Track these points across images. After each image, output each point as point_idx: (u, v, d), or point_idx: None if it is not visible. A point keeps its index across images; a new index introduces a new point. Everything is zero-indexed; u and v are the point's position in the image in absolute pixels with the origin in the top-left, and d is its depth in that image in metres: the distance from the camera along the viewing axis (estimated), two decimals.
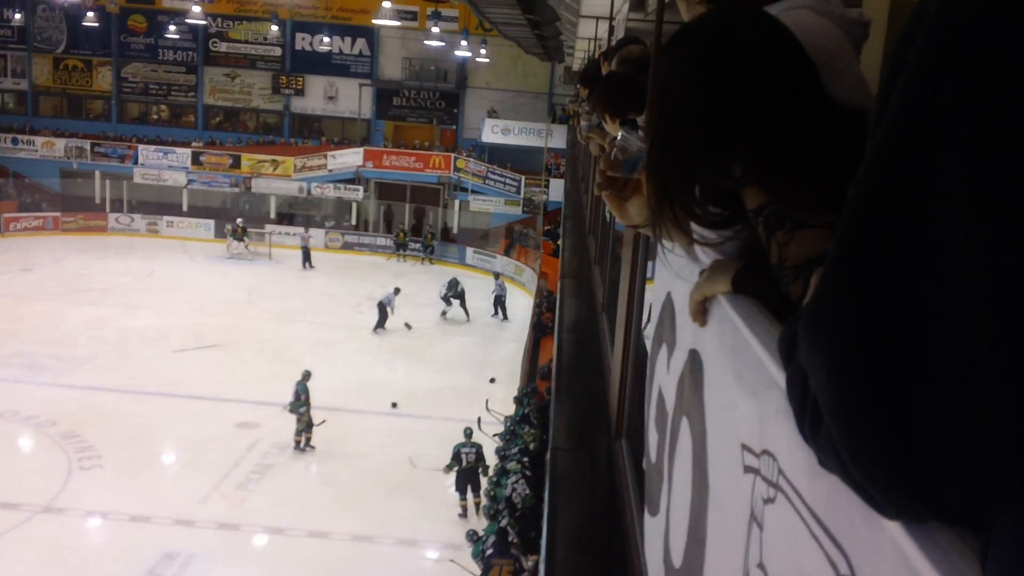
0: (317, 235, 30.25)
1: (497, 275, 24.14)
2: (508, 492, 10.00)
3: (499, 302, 22.98)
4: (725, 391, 1.13)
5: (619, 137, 1.42)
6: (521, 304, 23.80)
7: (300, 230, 29.96)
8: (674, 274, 1.49)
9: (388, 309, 21.09)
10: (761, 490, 0.92)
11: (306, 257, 27.64)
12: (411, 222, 30.80)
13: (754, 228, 1.06)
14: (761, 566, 0.91)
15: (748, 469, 0.97)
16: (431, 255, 29.50)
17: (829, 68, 1.04)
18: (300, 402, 14.31)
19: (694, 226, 1.13)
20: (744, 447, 1.00)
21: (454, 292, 22.60)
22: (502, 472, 10.89)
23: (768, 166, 1.01)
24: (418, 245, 29.81)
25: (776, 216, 1.01)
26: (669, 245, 1.40)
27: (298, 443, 14.40)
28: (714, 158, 1.04)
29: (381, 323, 21.18)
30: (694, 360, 1.35)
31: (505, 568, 8.61)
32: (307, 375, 14.78)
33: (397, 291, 21.61)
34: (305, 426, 14.36)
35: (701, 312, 1.26)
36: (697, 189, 1.07)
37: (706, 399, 1.25)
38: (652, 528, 1.77)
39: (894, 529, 0.58)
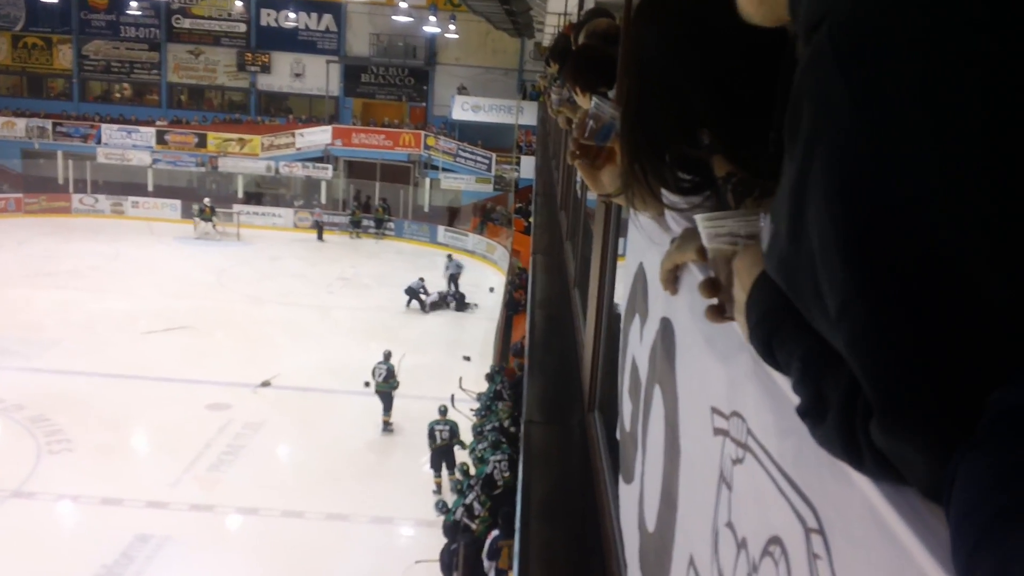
0: (286, 214, 29.95)
1: (449, 256, 23.95)
2: (490, 469, 10.05)
3: (453, 280, 22.66)
4: (696, 357, 1.14)
5: (592, 106, 1.43)
6: (493, 282, 23.77)
7: (276, 210, 29.70)
8: (647, 241, 1.50)
9: (420, 294, 21.32)
10: (730, 451, 0.94)
11: (320, 232, 28.39)
12: (380, 200, 30.53)
13: (723, 195, 1.06)
14: (730, 525, 0.92)
15: (717, 431, 0.99)
16: (382, 231, 29.28)
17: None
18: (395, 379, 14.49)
19: (665, 193, 1.14)
20: (714, 410, 1.01)
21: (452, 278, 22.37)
22: (487, 448, 10.96)
23: (734, 137, 1.01)
24: (371, 222, 29.57)
25: (744, 184, 1.02)
26: (640, 214, 1.40)
27: (387, 423, 14.47)
28: (682, 127, 1.05)
29: (421, 305, 21.38)
30: (666, 328, 1.36)
31: (510, 548, 8.64)
32: (389, 354, 14.90)
33: (422, 280, 21.69)
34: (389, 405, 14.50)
35: (672, 280, 1.27)
36: (668, 156, 1.08)
37: (677, 366, 1.26)
38: (627, 495, 1.79)
39: (862, 482, 0.59)
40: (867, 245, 0.50)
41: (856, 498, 0.60)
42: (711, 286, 0.87)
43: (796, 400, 0.66)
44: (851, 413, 0.55)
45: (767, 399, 0.81)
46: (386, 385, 14.52)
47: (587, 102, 2.59)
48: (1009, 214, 0.45)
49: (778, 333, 0.68)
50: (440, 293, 21.84)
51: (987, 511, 0.39)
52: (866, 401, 0.52)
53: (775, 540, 0.76)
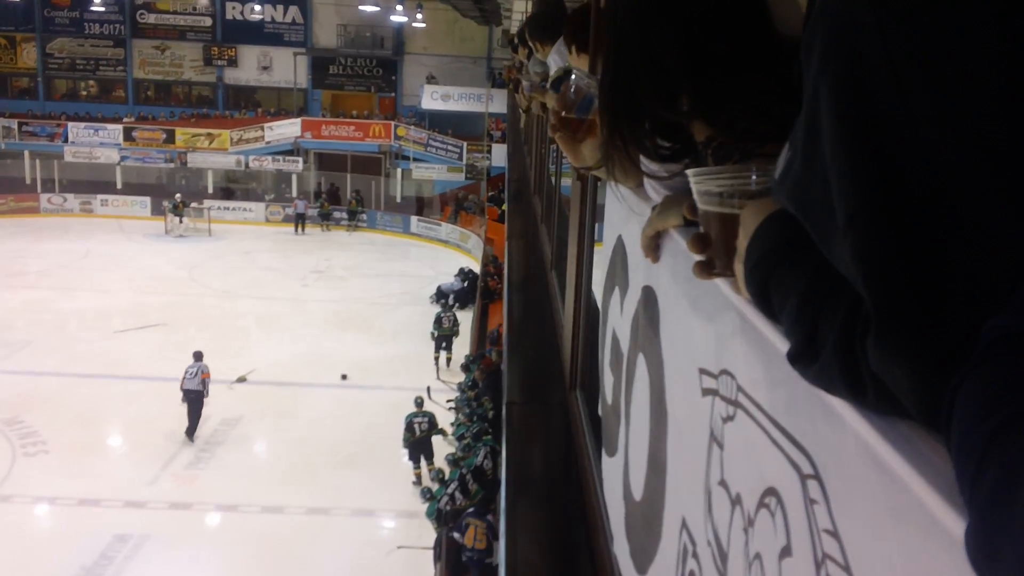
0: (257, 208, 29.67)
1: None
2: (479, 461, 10.07)
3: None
4: (680, 320, 1.14)
5: (572, 78, 1.42)
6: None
7: (247, 204, 29.45)
8: (627, 212, 1.50)
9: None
10: (720, 410, 0.94)
11: (300, 222, 28.20)
12: (352, 192, 30.31)
13: (703, 160, 1.06)
14: (723, 483, 0.92)
15: (706, 392, 0.99)
16: (355, 222, 29.09)
17: (776, 1, 1.05)
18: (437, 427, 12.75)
19: (644, 162, 1.14)
20: (702, 371, 1.01)
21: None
22: (475, 438, 10.98)
23: (712, 100, 1.01)
24: (343, 214, 29.34)
25: (724, 148, 1.02)
26: (621, 185, 1.40)
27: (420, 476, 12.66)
28: (660, 92, 1.05)
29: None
30: (648, 296, 1.36)
31: (479, 529, 8.69)
32: (422, 400, 13.14)
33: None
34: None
35: (653, 248, 1.27)
36: (647, 123, 1.08)
37: (662, 332, 1.26)
38: (610, 468, 1.80)
39: (856, 422, 0.60)
40: (877, 156, 0.50)
41: (850, 439, 0.61)
42: (701, 242, 0.87)
43: (785, 349, 0.66)
44: (850, 339, 0.55)
45: (756, 352, 0.81)
46: (427, 433, 12.60)
47: (546, 55, 2.58)
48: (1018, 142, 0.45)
49: (776, 273, 0.68)
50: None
51: (988, 426, 0.39)
52: (866, 326, 0.53)
53: (770, 491, 0.77)
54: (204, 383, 13.92)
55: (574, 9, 2.66)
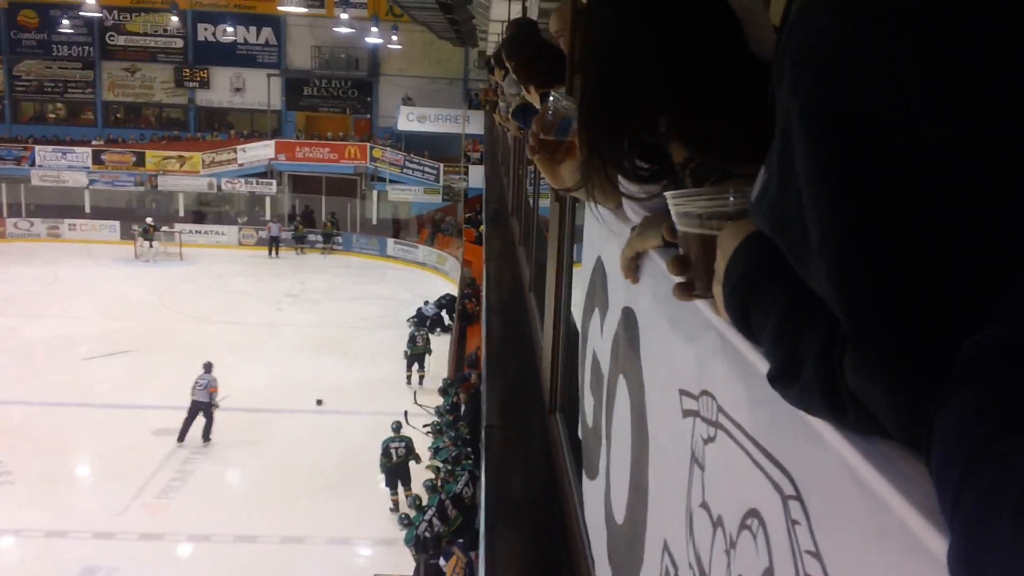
0: (230, 232, 29.44)
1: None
2: (459, 488, 9.99)
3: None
4: (661, 341, 1.15)
5: (551, 100, 1.43)
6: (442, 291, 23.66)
7: (220, 227, 29.23)
8: (607, 233, 1.51)
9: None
10: (701, 431, 0.94)
11: (274, 245, 28.09)
12: (328, 215, 30.19)
13: (681, 181, 1.08)
14: (704, 505, 0.93)
15: (687, 413, 0.99)
16: (330, 245, 28.96)
17: (749, 23, 1.07)
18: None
19: (623, 183, 1.15)
20: (682, 392, 1.02)
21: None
22: (454, 462, 10.91)
23: (691, 121, 1.03)
24: (318, 236, 29.20)
25: (703, 169, 1.04)
26: (600, 206, 1.41)
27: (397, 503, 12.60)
28: (639, 113, 1.06)
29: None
30: (628, 317, 1.37)
31: (460, 562, 8.59)
32: (399, 425, 12.97)
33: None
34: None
35: (633, 268, 1.28)
36: (626, 143, 1.09)
37: (642, 353, 1.27)
38: (591, 491, 1.79)
39: (837, 442, 0.60)
40: (848, 173, 0.51)
41: (831, 459, 0.61)
42: (680, 263, 0.87)
43: (766, 369, 0.67)
44: (830, 359, 0.56)
45: (737, 372, 0.82)
46: (404, 459, 12.43)
47: (536, 99, 2.61)
48: (992, 150, 0.46)
49: (755, 293, 0.69)
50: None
51: (970, 444, 0.39)
52: (844, 346, 0.53)
53: (752, 513, 0.77)
54: (211, 396, 14.26)
55: (526, 50, 2.69)
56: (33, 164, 29.16)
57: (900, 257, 0.49)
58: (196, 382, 14.31)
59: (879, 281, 0.50)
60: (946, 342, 0.46)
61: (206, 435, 14.30)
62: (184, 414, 14.22)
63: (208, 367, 14.57)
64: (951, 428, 0.41)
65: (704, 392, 0.93)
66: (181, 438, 14.16)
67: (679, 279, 0.88)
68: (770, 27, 1.22)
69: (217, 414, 14.89)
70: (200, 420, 14.29)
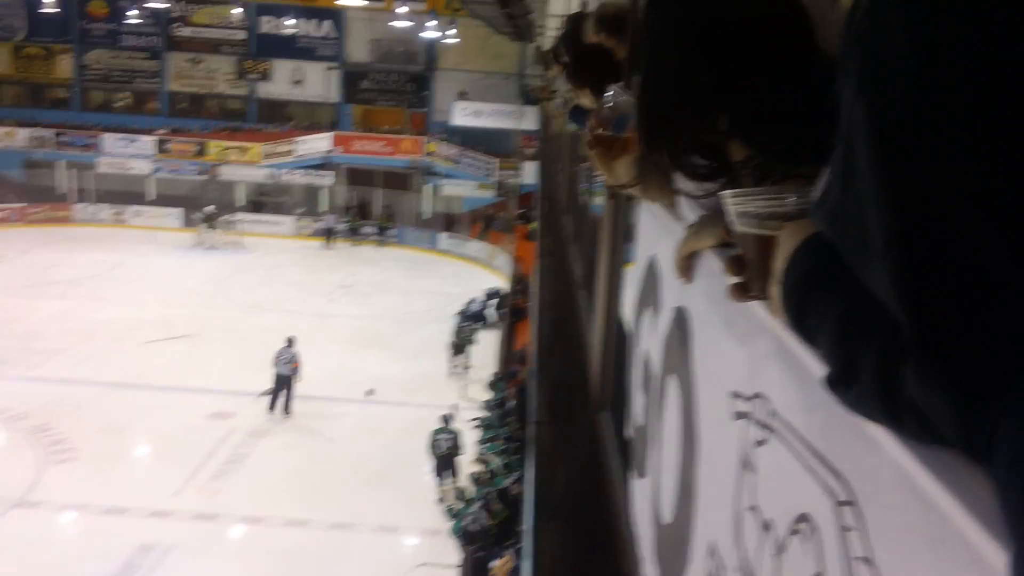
0: (287, 221, 29.97)
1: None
2: (508, 483, 10.04)
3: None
4: (713, 342, 1.14)
5: (609, 95, 1.43)
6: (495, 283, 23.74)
7: (277, 217, 29.82)
8: (660, 231, 1.50)
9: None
10: (753, 434, 0.93)
11: (329, 236, 28.60)
12: (383, 207, 30.50)
13: (740, 180, 1.06)
14: (754, 508, 0.92)
15: (739, 415, 0.99)
16: (384, 237, 29.22)
17: (818, 17, 1.05)
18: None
19: (679, 181, 1.14)
20: (734, 394, 1.01)
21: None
22: (505, 457, 10.99)
23: (750, 119, 1.01)
24: (373, 229, 29.48)
25: (763, 168, 1.02)
26: (654, 203, 1.40)
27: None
28: (697, 112, 1.04)
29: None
30: (680, 317, 1.36)
31: (510, 564, 8.62)
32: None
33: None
34: None
35: (687, 268, 1.27)
36: (683, 141, 1.08)
37: (694, 354, 1.26)
38: (640, 491, 1.79)
39: (893, 448, 0.59)
40: (914, 181, 0.50)
41: (887, 465, 0.60)
42: (737, 264, 0.86)
43: (822, 373, 0.66)
44: (889, 366, 0.55)
45: (791, 376, 0.81)
46: (451, 451, 12.75)
47: (590, 100, 2.60)
48: None
49: (813, 296, 0.68)
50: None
51: None
52: (905, 352, 0.52)
53: (803, 518, 0.76)
54: (295, 371, 14.94)
55: (574, 54, 2.66)
56: (100, 151, 30.06)
57: (967, 266, 0.48)
58: (279, 355, 14.91)
59: (945, 290, 0.49)
60: (1013, 352, 0.45)
61: (287, 407, 14.90)
62: (237, 400, 14.57)
63: (290, 341, 15.12)
64: (1016, 438, 0.41)
65: (757, 394, 0.92)
66: (272, 406, 14.85)
67: (734, 280, 0.88)
68: (840, 21, 1.20)
69: (269, 400, 15.22)
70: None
